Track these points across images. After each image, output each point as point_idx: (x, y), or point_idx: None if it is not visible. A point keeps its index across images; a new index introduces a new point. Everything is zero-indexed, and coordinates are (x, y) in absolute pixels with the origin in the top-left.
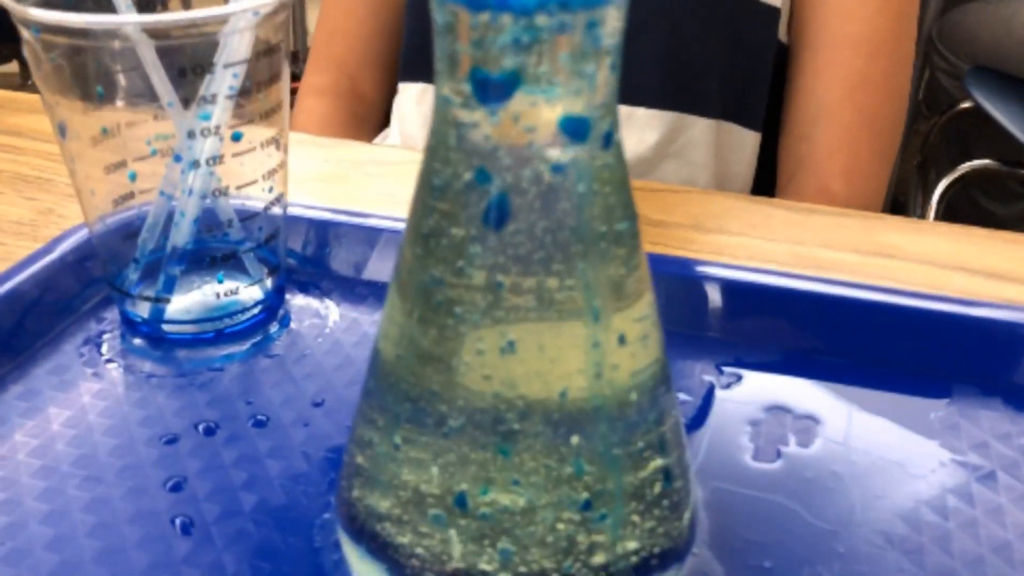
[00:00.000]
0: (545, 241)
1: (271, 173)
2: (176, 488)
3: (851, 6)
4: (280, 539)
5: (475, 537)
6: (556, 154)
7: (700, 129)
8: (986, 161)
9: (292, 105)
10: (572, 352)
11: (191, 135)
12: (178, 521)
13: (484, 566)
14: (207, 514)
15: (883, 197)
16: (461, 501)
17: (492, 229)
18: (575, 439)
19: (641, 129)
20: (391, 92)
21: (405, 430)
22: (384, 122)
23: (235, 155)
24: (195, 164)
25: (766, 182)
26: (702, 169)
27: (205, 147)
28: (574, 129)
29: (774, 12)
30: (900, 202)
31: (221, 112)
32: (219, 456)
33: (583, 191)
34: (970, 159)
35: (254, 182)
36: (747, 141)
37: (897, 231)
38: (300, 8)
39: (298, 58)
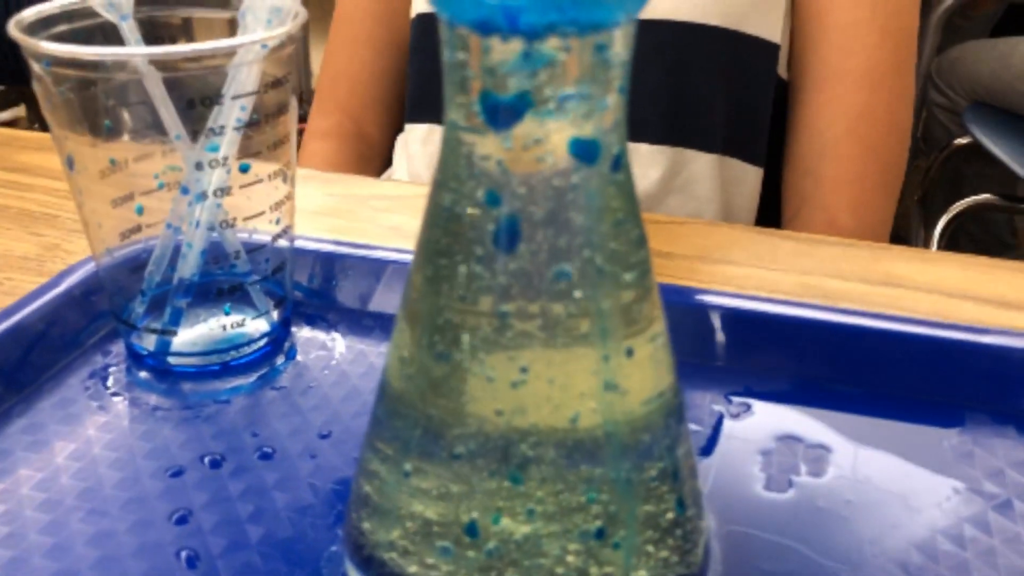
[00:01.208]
0: (555, 265)
1: (278, 205)
2: (182, 521)
3: (850, 41)
4: (287, 572)
5: (485, 567)
6: (566, 177)
7: (703, 164)
8: (986, 196)
9: (298, 147)
10: (583, 378)
11: (199, 167)
12: (184, 554)
13: None
14: (213, 547)
15: (889, 229)
16: (471, 530)
17: (502, 252)
18: (587, 466)
19: (644, 165)
20: (395, 133)
21: (414, 458)
22: (387, 163)
23: (242, 187)
24: (202, 196)
25: (770, 217)
26: (707, 204)
27: (212, 179)
28: (584, 152)
29: (774, 48)
30: (901, 237)
31: (229, 144)
32: (225, 488)
33: (593, 214)
34: (968, 195)
35: (261, 214)
36: (750, 176)
37: (904, 260)
38: (304, 51)
39: (302, 100)
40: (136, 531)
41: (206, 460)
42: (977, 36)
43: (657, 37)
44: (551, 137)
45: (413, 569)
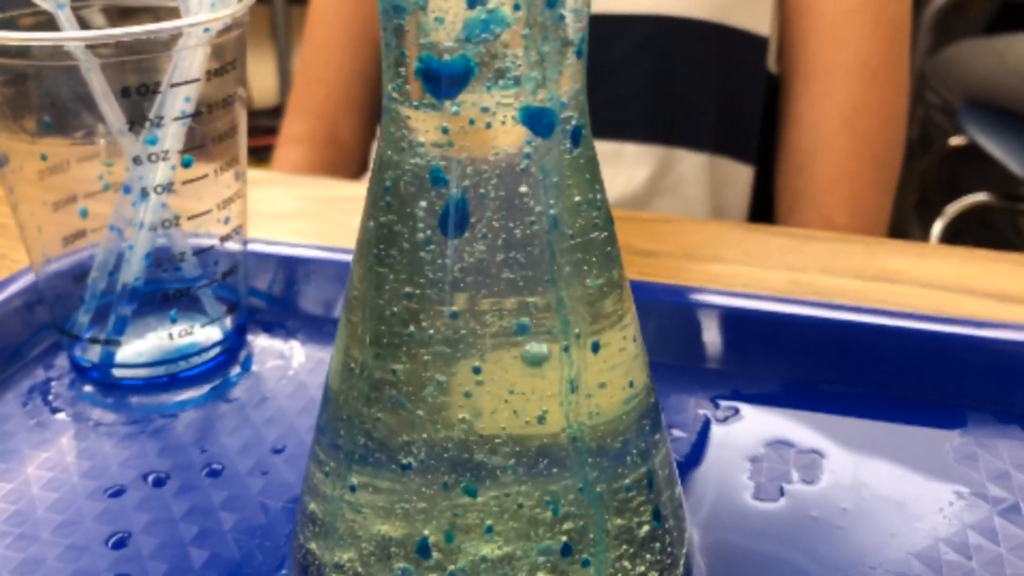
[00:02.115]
0: (510, 250)
1: (226, 203)
2: (119, 545)
3: (842, 33)
4: None
5: None
6: (518, 151)
7: (692, 164)
8: (983, 196)
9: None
10: (543, 377)
11: (137, 161)
12: None
13: None
14: (152, 573)
15: (886, 228)
16: (423, 550)
17: (449, 238)
18: (550, 476)
19: (631, 165)
20: (371, 137)
21: (359, 471)
22: (363, 168)
23: (186, 183)
24: (144, 193)
25: (762, 218)
26: (696, 205)
27: (154, 174)
28: (537, 123)
29: (762, 41)
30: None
31: (173, 137)
32: (168, 509)
33: (550, 192)
34: (964, 195)
35: (207, 212)
36: (741, 175)
37: (899, 255)
38: (286, 62)
39: (280, 112)
40: (68, 557)
41: (149, 478)
42: (971, 35)
43: (641, 32)
44: (500, 107)
45: None
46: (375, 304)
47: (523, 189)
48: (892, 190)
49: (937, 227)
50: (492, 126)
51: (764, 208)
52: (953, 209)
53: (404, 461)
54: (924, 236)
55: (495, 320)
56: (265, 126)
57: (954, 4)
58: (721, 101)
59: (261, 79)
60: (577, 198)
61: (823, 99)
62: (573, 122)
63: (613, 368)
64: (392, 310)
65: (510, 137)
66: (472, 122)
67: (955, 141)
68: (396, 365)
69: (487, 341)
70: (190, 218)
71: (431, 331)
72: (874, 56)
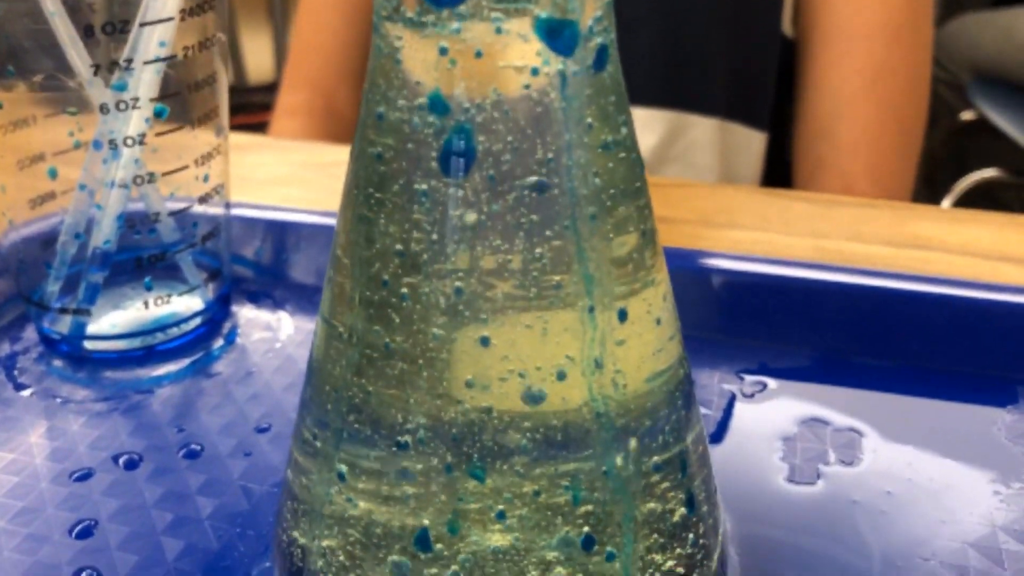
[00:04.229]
0: (523, 192)
1: (205, 159)
2: (85, 534)
3: None
4: None
5: None
6: (532, 72)
7: (703, 130)
8: (992, 172)
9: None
10: (564, 344)
11: (104, 110)
12: (84, 575)
13: None
14: (120, 565)
15: (910, 195)
16: (422, 542)
17: (451, 179)
18: (570, 457)
19: (639, 131)
20: None
21: (349, 452)
22: None
23: (159, 135)
24: (113, 146)
25: (776, 187)
26: (707, 173)
27: (124, 125)
28: (555, 36)
29: (776, 3)
30: None
31: (144, 83)
32: (140, 494)
33: (572, 125)
34: (971, 171)
35: (184, 168)
36: (753, 142)
37: (932, 221)
38: (283, 38)
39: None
40: (26, 548)
41: (120, 460)
42: (977, 8)
43: None
44: (511, 17)
45: None
46: (364, 259)
47: (539, 119)
48: (915, 156)
49: (945, 204)
50: (502, 42)
51: (778, 178)
52: (961, 185)
53: (400, 440)
54: None
55: (505, 276)
56: (261, 102)
57: None
58: (733, 64)
59: (257, 55)
60: (603, 134)
61: (844, 61)
62: (598, 40)
63: (643, 334)
64: (384, 266)
65: (523, 55)
66: (478, 37)
67: (964, 116)
68: (389, 330)
69: (496, 301)
70: (165, 174)
71: (430, 290)
72: (896, 15)
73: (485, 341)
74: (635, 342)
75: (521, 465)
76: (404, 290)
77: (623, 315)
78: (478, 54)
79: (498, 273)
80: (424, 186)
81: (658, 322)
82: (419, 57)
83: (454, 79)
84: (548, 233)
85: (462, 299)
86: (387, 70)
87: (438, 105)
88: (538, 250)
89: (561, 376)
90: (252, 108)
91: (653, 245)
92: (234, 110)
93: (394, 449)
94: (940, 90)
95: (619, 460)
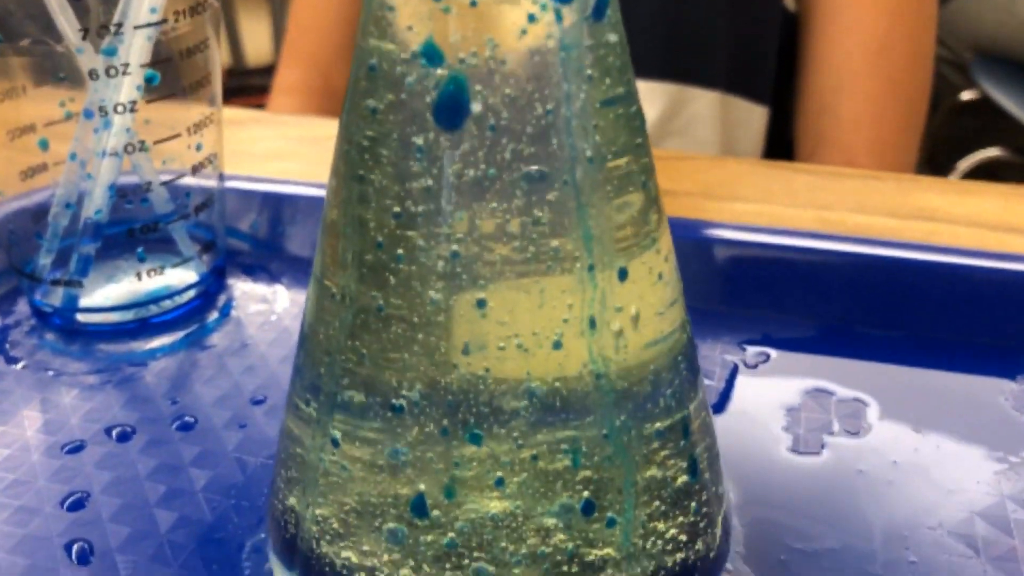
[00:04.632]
0: (521, 147)
1: (197, 127)
2: (76, 506)
3: None
4: (201, 566)
5: (438, 554)
6: (530, 18)
7: (704, 103)
8: (996, 151)
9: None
10: (562, 304)
11: (93, 75)
12: (75, 547)
13: None
14: (112, 537)
15: (913, 171)
16: (418, 508)
17: (448, 130)
18: (571, 420)
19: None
20: None
21: (343, 416)
22: None
23: (150, 102)
24: (104, 113)
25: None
26: (708, 147)
27: (115, 92)
28: None
29: None
30: None
31: (135, 49)
32: (133, 466)
33: (572, 75)
34: (973, 150)
35: (176, 137)
36: (755, 116)
37: (937, 192)
38: (281, 20)
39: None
40: (17, 520)
41: (113, 433)
42: None
43: None
44: None
45: (349, 560)
46: (357, 217)
47: (537, 69)
48: (919, 132)
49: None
50: None
51: (779, 154)
52: (964, 165)
53: (395, 403)
54: None
55: (503, 234)
56: (259, 85)
57: None
58: (735, 37)
59: (256, 37)
60: (604, 86)
61: (846, 35)
62: None
63: (644, 296)
64: (379, 224)
65: (520, 1)
66: None
67: (966, 95)
68: (383, 290)
69: (494, 260)
70: (157, 143)
71: (425, 250)
72: None
73: (482, 303)
74: (636, 304)
75: (519, 429)
76: (396, 252)
77: (623, 274)
78: (473, 2)
79: (496, 230)
80: (419, 140)
81: (660, 284)
82: (412, 4)
83: (448, 27)
84: (547, 188)
85: (459, 259)
86: (379, 19)
87: (432, 54)
88: (536, 206)
89: (560, 336)
90: (251, 91)
91: (656, 205)
92: (233, 92)
93: (389, 413)
94: (942, 69)
95: (620, 424)
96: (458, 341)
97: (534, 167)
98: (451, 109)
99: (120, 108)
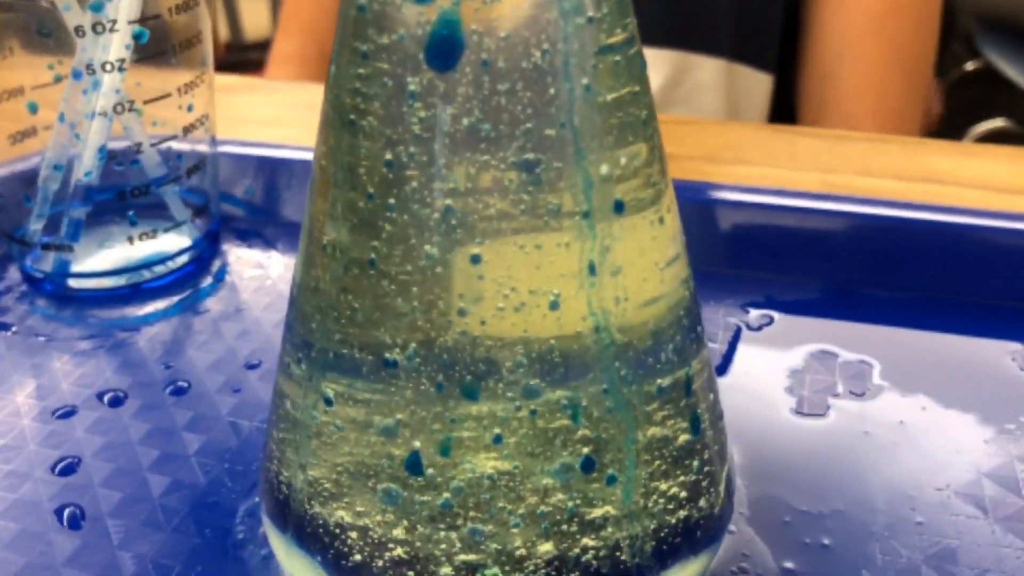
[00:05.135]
0: (517, 89)
1: (188, 87)
2: (67, 471)
3: None
4: (195, 530)
5: (434, 514)
6: None
7: (708, 71)
8: (1001, 122)
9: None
10: (560, 255)
11: (79, 32)
12: (66, 512)
13: (448, 552)
14: (103, 502)
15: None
16: (413, 466)
17: (441, 71)
18: (569, 374)
19: None
20: None
21: (334, 372)
22: None
23: (140, 60)
24: (92, 71)
25: None
26: (712, 115)
27: (103, 50)
28: None
29: None
30: None
31: (124, 4)
32: (125, 431)
33: (567, 14)
34: (978, 121)
35: (166, 96)
36: (759, 84)
37: (944, 155)
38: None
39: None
40: (7, 485)
41: (104, 398)
42: None
43: None
44: None
45: (342, 520)
46: (347, 165)
47: (533, 9)
48: (923, 99)
49: None
50: None
51: (783, 121)
52: (969, 136)
53: (388, 357)
54: None
55: (498, 180)
56: (257, 59)
57: None
58: (739, 4)
59: (254, 12)
60: (604, 26)
61: (850, 1)
62: None
63: (645, 247)
64: (369, 171)
65: None
66: None
67: (969, 66)
68: (375, 242)
69: (489, 206)
70: (147, 102)
71: (418, 198)
72: None
73: (477, 258)
74: (636, 255)
75: (517, 385)
76: (389, 199)
77: (623, 225)
78: None
79: (492, 177)
80: (411, 84)
81: (662, 237)
82: None
83: None
84: (544, 132)
85: (454, 208)
86: None
87: None
88: (534, 151)
89: (557, 287)
90: (249, 65)
91: (659, 155)
92: (231, 67)
93: (383, 370)
94: (944, 38)
95: (620, 378)
96: (453, 292)
97: (530, 110)
98: (443, 50)
99: (108, 67)
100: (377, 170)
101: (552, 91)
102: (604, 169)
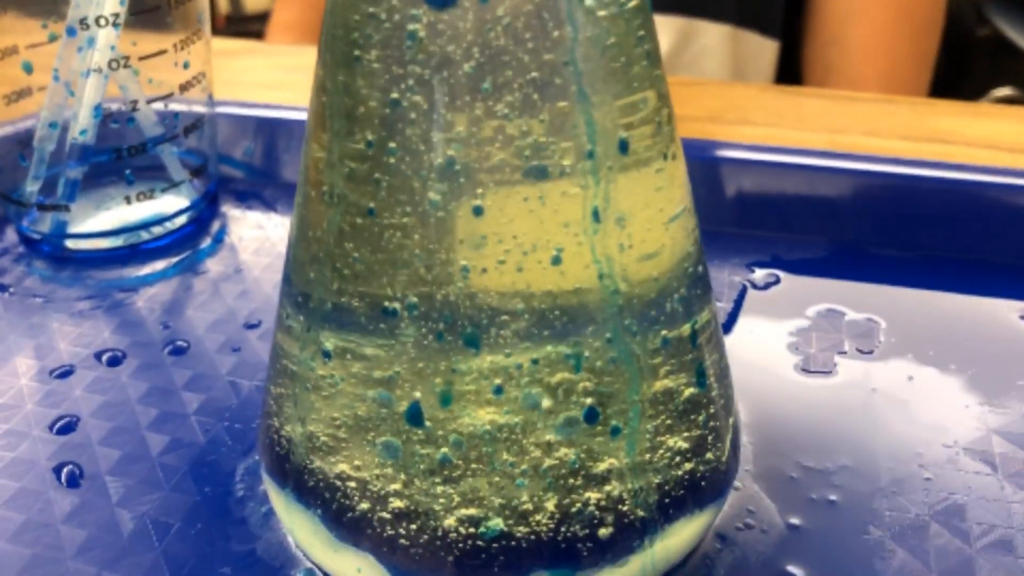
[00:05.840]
0: (519, 26)
1: (184, 43)
2: (66, 430)
3: None
4: (194, 488)
5: (434, 467)
6: None
7: (713, 37)
8: (1008, 90)
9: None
10: (564, 201)
11: None
12: (64, 470)
13: (448, 507)
14: (102, 461)
15: None
16: (414, 418)
17: (437, 7)
18: (573, 324)
19: None
20: None
21: (333, 323)
22: None
23: (135, 14)
24: (86, 27)
25: None
26: None
27: (98, 6)
28: None
29: None
30: None
31: None
32: (123, 390)
33: None
34: (987, 90)
35: (162, 53)
36: (765, 50)
37: (952, 115)
38: None
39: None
40: (6, 443)
41: (103, 357)
42: None
43: None
44: None
45: (341, 469)
46: (345, 109)
47: None
48: (930, 62)
49: None
50: None
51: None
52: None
53: (388, 307)
54: None
55: (499, 125)
56: (257, 31)
57: None
58: None
59: None
60: None
61: None
62: None
63: (650, 196)
64: (366, 116)
65: None
66: None
67: (978, 33)
68: (375, 186)
69: (492, 158)
70: (142, 59)
71: (418, 143)
72: None
73: (478, 210)
74: (641, 205)
75: (520, 334)
76: (388, 143)
77: (628, 170)
78: None
79: (495, 120)
80: (411, 23)
81: (668, 187)
82: None
83: None
84: (548, 71)
85: (457, 155)
86: None
87: None
88: (537, 91)
89: (562, 238)
90: (249, 37)
91: (665, 102)
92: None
93: (382, 318)
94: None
95: (624, 327)
96: (455, 235)
97: (531, 45)
98: None
99: (103, 21)
100: (375, 112)
101: (554, 30)
102: (609, 112)
